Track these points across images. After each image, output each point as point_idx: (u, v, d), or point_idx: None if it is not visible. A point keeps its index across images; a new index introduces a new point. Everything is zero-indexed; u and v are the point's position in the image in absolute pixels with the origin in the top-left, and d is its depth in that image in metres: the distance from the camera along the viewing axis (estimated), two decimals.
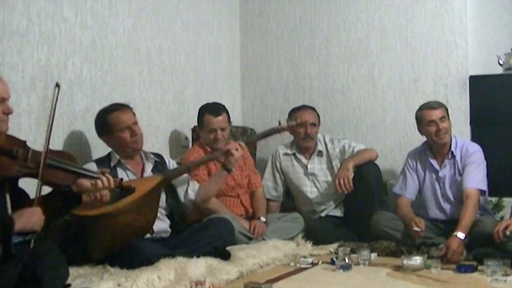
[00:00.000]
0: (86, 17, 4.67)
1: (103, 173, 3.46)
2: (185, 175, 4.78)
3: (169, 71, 5.54)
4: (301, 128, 5.34)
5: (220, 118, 5.04)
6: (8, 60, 4.04)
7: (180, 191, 4.77)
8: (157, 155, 4.67)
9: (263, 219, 5.14)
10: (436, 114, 4.88)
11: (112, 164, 4.36)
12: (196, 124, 5.22)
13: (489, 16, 5.80)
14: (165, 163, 4.68)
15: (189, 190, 4.77)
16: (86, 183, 3.37)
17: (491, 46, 5.68)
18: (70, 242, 3.88)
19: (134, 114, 4.47)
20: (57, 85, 3.17)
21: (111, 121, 4.32)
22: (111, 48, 4.91)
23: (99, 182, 3.40)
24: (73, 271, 3.57)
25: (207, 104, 5.18)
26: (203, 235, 4.37)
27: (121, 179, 3.80)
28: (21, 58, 4.13)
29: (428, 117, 4.90)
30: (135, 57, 5.15)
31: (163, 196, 4.52)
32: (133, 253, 3.85)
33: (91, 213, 3.81)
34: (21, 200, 3.19)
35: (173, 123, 5.44)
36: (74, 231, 3.96)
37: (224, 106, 5.15)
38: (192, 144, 5.45)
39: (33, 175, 3.15)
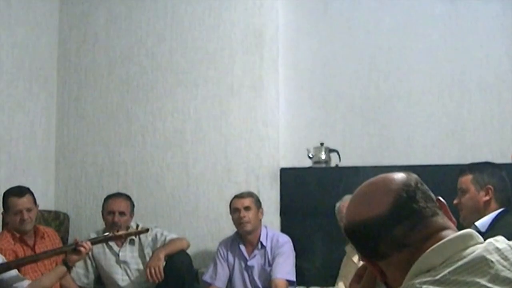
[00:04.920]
0: None
1: None
2: (14, 272, 4.48)
3: None
4: (109, 216, 5.33)
5: (24, 199, 4.89)
6: None
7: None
8: None
9: None
10: (242, 202, 5.09)
11: None
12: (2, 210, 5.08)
13: (300, 111, 6.00)
14: None
15: (16, 285, 4.44)
16: None
17: (302, 139, 5.85)
18: None
19: None
20: None
21: None
22: None
23: None
24: None
25: (10, 188, 5.01)
26: None
27: None
28: None
29: (234, 205, 5.15)
30: None
31: None
32: None
33: None
34: None
35: None
36: None
37: (28, 188, 4.99)
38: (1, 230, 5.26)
39: None
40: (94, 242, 4.85)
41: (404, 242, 1.67)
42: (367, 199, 1.75)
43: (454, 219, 1.77)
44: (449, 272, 1.56)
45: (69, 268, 4.69)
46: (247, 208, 5.10)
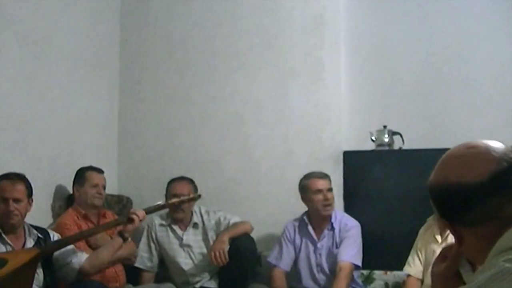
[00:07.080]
0: None
1: None
2: (71, 247, 4.49)
3: (44, 138, 5.40)
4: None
5: (103, 175, 5.20)
6: None
7: (63, 264, 4.44)
8: (41, 231, 4.41)
9: None
10: (324, 184, 5.01)
11: None
12: (70, 192, 5.18)
13: (363, 93, 5.96)
14: (49, 239, 4.40)
15: (74, 261, 4.46)
16: None
17: (365, 122, 5.80)
18: None
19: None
20: None
21: None
22: None
23: None
24: None
25: (87, 166, 5.22)
26: None
27: None
28: None
29: (315, 186, 5.01)
30: (7, 124, 4.99)
31: (40, 275, 4.22)
32: None
33: None
34: None
35: (47, 191, 5.30)
36: None
37: None
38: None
39: None
40: (148, 211, 4.82)
41: (497, 214, 1.60)
42: (467, 162, 1.67)
43: None
44: None
45: (125, 240, 4.67)
46: (329, 190, 5.04)
